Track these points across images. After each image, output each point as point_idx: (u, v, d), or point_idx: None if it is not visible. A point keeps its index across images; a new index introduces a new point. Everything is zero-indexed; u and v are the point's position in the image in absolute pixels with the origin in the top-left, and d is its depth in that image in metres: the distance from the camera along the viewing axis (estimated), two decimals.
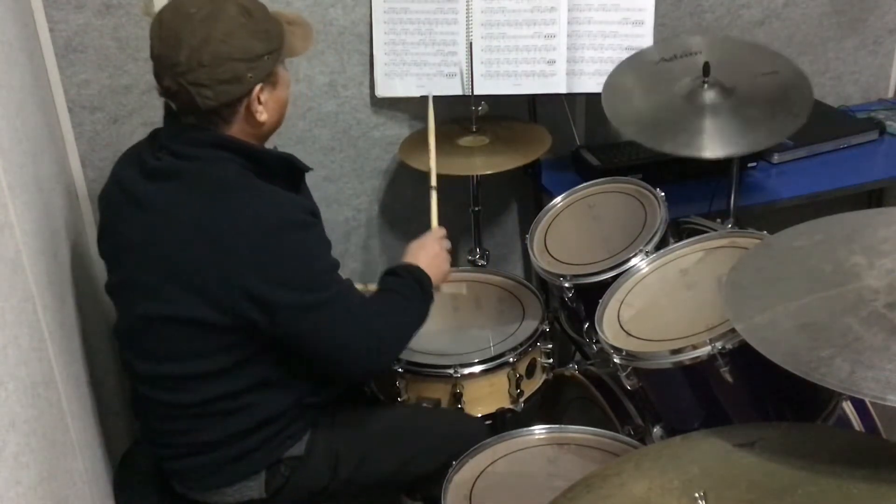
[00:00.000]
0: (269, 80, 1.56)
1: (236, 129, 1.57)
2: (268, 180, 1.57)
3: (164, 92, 1.53)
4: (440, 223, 1.94)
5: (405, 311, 1.70)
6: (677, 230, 2.05)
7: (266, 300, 1.50)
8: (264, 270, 1.49)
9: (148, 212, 1.55)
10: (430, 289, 1.74)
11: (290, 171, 1.67)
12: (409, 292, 1.71)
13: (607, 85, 2.13)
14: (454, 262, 1.97)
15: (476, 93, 2.28)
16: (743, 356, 1.48)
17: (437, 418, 1.89)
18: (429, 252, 1.81)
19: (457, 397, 1.90)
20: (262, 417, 1.62)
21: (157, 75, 1.52)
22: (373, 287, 1.80)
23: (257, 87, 1.53)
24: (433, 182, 2.00)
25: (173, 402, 1.61)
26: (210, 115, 1.53)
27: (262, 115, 1.57)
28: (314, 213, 1.62)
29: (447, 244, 1.89)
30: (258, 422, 1.62)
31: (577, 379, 1.99)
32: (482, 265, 2.40)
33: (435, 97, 2.20)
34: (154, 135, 1.63)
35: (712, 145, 1.92)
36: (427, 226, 1.94)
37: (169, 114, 1.60)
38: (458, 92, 2.33)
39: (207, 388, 1.59)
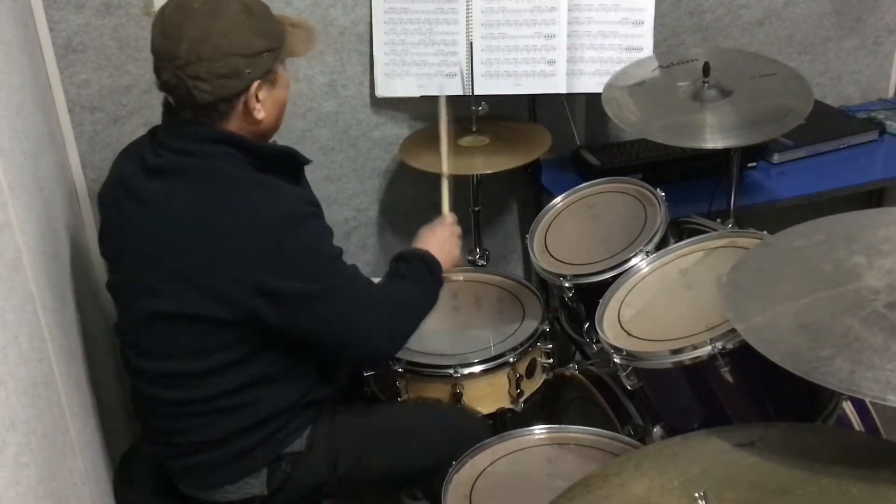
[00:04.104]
0: (268, 77, 1.57)
1: (233, 126, 1.57)
2: (268, 174, 1.57)
3: (163, 86, 1.54)
4: (452, 211, 1.93)
5: (414, 295, 1.70)
6: (677, 230, 2.05)
7: (275, 293, 1.51)
8: (271, 264, 1.50)
9: (150, 209, 1.55)
10: (440, 273, 1.74)
11: (290, 165, 1.67)
12: (419, 276, 1.71)
13: (608, 86, 2.13)
14: None
15: (476, 93, 2.28)
16: (743, 356, 1.48)
17: (436, 413, 1.89)
18: (439, 237, 1.82)
19: (457, 397, 1.90)
20: (264, 414, 1.63)
21: (157, 69, 1.54)
22: None
23: (255, 85, 1.54)
24: (445, 170, 1.99)
25: (176, 400, 1.61)
26: (207, 110, 1.54)
27: (260, 114, 1.57)
28: (315, 204, 1.63)
29: (458, 230, 1.89)
30: (261, 418, 1.63)
31: (577, 379, 1.99)
32: (482, 265, 2.40)
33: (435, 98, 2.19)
34: (153, 132, 1.64)
35: (714, 137, 1.92)
36: (438, 213, 1.93)
37: (168, 111, 1.61)
38: (459, 92, 2.32)
39: (210, 385, 1.59)
